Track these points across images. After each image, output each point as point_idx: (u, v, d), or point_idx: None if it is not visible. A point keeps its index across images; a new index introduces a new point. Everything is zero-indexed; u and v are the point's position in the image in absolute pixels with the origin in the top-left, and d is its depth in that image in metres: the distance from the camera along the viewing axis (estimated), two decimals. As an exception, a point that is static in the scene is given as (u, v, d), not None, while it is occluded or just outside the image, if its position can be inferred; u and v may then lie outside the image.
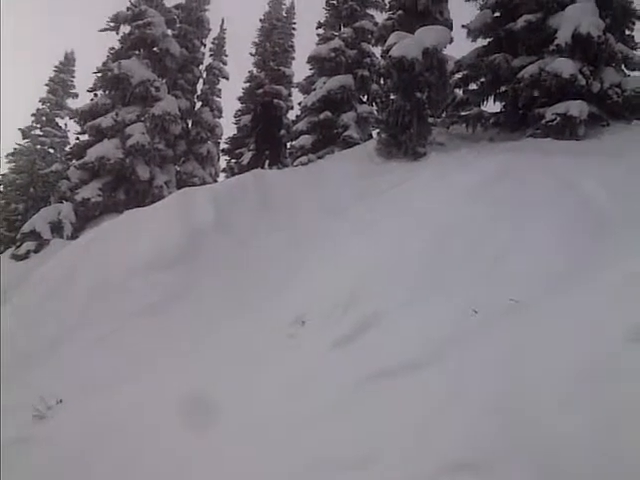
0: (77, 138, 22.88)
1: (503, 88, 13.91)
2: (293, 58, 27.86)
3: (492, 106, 14.41)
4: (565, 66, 11.93)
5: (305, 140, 20.05)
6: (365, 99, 20.70)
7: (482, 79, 14.32)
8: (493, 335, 4.35)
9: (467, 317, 4.85)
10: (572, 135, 11.57)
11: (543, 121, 12.03)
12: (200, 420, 4.49)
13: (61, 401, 6.08)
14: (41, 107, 27.39)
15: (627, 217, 6.07)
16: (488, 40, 14.32)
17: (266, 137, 13.95)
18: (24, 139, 26.88)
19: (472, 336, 4.47)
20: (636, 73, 13.30)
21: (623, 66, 13.28)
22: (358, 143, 17.33)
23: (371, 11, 20.33)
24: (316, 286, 7.25)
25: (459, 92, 14.91)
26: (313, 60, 20.23)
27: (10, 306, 10.19)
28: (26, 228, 20.05)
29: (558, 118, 11.72)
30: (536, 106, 12.63)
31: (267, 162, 13.83)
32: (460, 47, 14.51)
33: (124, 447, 4.62)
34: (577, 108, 11.65)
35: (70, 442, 4.99)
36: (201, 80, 27.24)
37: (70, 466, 4.43)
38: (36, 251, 19.25)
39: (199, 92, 27.25)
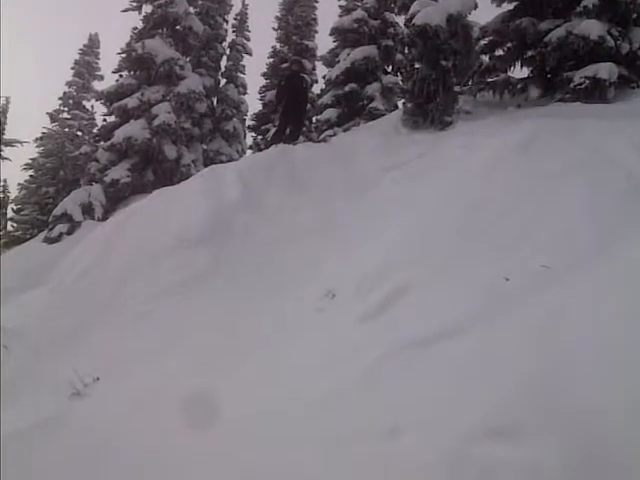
0: (104, 120, 23.11)
1: (530, 53, 13.66)
2: (316, 31, 27.67)
3: (519, 72, 14.20)
4: (593, 28, 11.69)
5: (330, 113, 19.99)
6: (390, 69, 20.53)
7: (508, 44, 14.09)
8: (525, 303, 4.32)
9: (498, 286, 4.82)
10: (601, 98, 11.36)
11: (571, 85, 11.82)
12: (233, 393, 4.54)
13: (98, 379, 6.18)
14: (68, 90, 27.61)
15: (659, 181, 5.96)
16: (514, 4, 14.03)
17: (291, 110, 13.66)
18: (52, 123, 27.15)
19: (502, 305, 4.44)
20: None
21: (653, 26, 12.94)
22: (384, 114, 17.19)
23: (394, -21, 20.01)
24: (346, 260, 7.25)
25: (485, 58, 14.69)
26: (336, 32, 20.08)
27: (45, 287, 10.37)
28: (57, 211, 20.31)
29: (587, 81, 11.51)
30: (564, 70, 12.40)
31: (287, 138, 13.55)
32: (485, 12, 14.27)
33: (160, 425, 4.69)
34: (606, 70, 11.43)
35: (106, 420, 5.08)
36: (225, 57, 27.26)
37: (105, 444, 4.51)
38: (68, 233, 19.51)
39: (223, 69, 27.27)
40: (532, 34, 13.15)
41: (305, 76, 15.13)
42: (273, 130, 17.35)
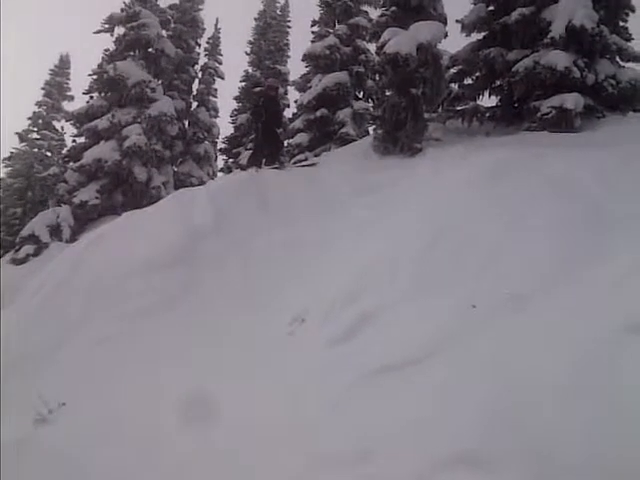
0: (74, 141, 22.95)
1: (498, 82, 13.92)
2: (288, 56, 27.92)
3: (488, 100, 14.42)
4: (559, 59, 11.93)
5: (302, 138, 20.06)
6: (361, 95, 20.70)
7: (477, 73, 14.31)
8: (491, 329, 4.36)
9: (465, 312, 4.86)
10: (568, 128, 11.56)
11: (539, 114, 12.03)
12: (200, 420, 4.50)
13: (63, 404, 6.09)
14: (37, 110, 27.38)
15: (623, 209, 6.08)
16: (483, 34, 14.28)
17: (266, 134, 13.67)
18: (21, 143, 26.88)
19: (470, 331, 4.48)
20: (631, 64, 13.28)
21: (618, 58, 13.24)
22: (355, 140, 17.30)
23: (365, 8, 20.33)
24: (315, 285, 7.25)
25: (454, 87, 14.89)
26: (308, 58, 20.21)
27: (11, 309, 10.20)
28: (25, 232, 20.06)
29: (553, 111, 11.72)
30: (531, 99, 12.62)
31: (265, 160, 13.57)
32: (455, 42, 14.52)
33: (124, 452, 4.64)
34: (572, 101, 11.65)
35: (71, 447, 5.00)
36: (197, 80, 27.35)
37: (69, 471, 4.45)
38: (35, 255, 19.26)
39: (195, 92, 27.38)
40: (501, 64, 13.38)
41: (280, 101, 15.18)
42: (247, 153, 17.35)
